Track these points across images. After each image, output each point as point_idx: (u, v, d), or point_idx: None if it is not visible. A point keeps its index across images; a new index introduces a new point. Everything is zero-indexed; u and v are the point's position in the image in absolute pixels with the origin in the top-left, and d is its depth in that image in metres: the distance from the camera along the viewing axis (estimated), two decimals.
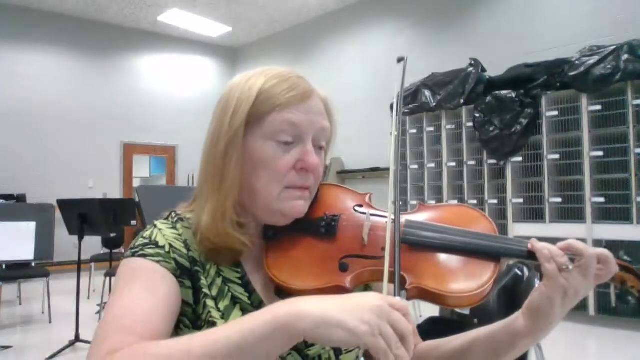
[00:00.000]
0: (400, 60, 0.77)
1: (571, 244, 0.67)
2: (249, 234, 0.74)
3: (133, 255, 0.69)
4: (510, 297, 1.47)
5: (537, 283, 1.59)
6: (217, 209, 0.72)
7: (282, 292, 0.71)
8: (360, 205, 0.80)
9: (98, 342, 0.57)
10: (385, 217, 0.77)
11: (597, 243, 4.11)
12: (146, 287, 0.64)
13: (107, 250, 5.46)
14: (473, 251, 0.70)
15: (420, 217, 0.78)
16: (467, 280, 0.67)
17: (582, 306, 4.06)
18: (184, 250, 0.71)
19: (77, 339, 3.56)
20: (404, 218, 0.76)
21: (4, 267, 4.52)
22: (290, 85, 0.73)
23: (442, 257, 0.71)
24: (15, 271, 4.62)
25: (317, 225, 0.76)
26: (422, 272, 0.69)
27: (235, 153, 0.72)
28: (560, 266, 0.66)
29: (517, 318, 0.72)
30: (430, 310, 3.71)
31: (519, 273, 1.68)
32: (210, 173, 0.74)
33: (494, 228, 0.75)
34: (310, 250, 0.75)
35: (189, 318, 0.69)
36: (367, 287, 0.82)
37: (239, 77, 0.78)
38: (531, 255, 0.68)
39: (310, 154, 0.73)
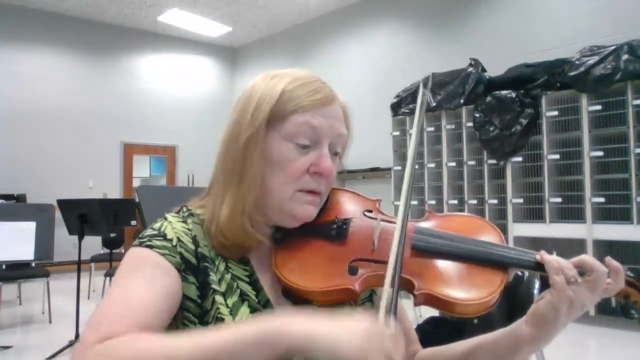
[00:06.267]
0: (425, 84, 0.77)
1: (584, 259, 0.67)
2: (261, 232, 0.74)
3: (140, 244, 0.69)
4: (510, 297, 1.47)
5: (537, 283, 1.59)
6: (237, 204, 0.72)
7: (290, 293, 0.72)
8: (370, 211, 0.81)
9: (90, 328, 0.57)
10: (395, 223, 0.77)
11: (597, 243, 4.11)
12: (146, 279, 0.64)
13: (107, 250, 5.46)
14: (482, 260, 0.70)
15: (429, 224, 0.78)
16: (475, 289, 0.67)
17: None
18: (192, 246, 0.71)
19: (77, 339, 3.55)
20: (413, 225, 0.76)
21: (4, 267, 4.52)
22: (314, 89, 0.74)
23: (451, 264, 0.71)
24: (15, 271, 4.61)
25: (328, 228, 0.77)
26: (430, 278, 0.69)
27: (256, 150, 0.72)
28: (569, 279, 0.66)
29: (520, 325, 0.72)
30: (430, 310, 3.72)
31: (519, 273, 1.68)
32: (229, 168, 0.74)
33: (502, 238, 0.75)
34: (319, 253, 0.74)
35: (194, 313, 0.69)
36: (372, 292, 0.83)
37: (262, 75, 0.78)
38: (539, 266, 0.68)
39: (325, 159, 0.73)
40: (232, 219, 0.71)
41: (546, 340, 0.70)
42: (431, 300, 0.67)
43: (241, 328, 0.54)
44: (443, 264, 0.71)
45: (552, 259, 0.68)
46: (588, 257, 0.68)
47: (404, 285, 0.69)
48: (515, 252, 0.71)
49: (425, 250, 0.72)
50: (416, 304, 0.69)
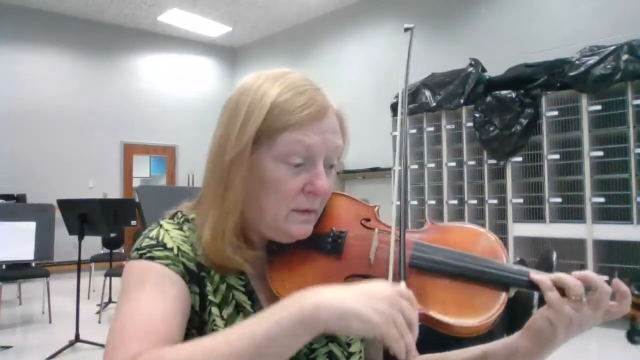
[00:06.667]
0: (407, 29, 0.73)
1: (587, 276, 0.64)
2: (254, 246, 0.72)
3: (140, 257, 0.67)
4: (511, 304, 1.46)
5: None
6: (218, 226, 0.69)
7: None
8: (368, 220, 0.78)
9: (114, 349, 0.56)
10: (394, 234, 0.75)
11: (597, 243, 4.11)
12: (157, 291, 0.62)
13: (107, 250, 5.46)
14: (482, 280, 0.68)
15: (429, 237, 0.75)
16: (475, 311, 0.65)
17: None
18: (192, 254, 0.69)
19: (77, 339, 3.56)
20: (412, 239, 0.74)
21: (4, 267, 4.51)
22: (306, 101, 0.68)
23: (450, 283, 0.68)
24: (15, 271, 4.61)
25: (323, 241, 0.74)
26: (429, 299, 0.67)
27: (240, 169, 0.68)
28: (570, 296, 0.64)
29: (517, 337, 0.71)
30: None
31: None
32: (215, 182, 0.71)
33: (504, 252, 0.73)
34: (314, 267, 0.73)
35: (195, 325, 0.67)
36: None
37: (252, 77, 0.73)
38: (535, 285, 0.66)
39: (320, 177, 0.69)
40: (213, 244, 0.69)
41: (542, 355, 0.68)
42: (429, 321, 0.66)
43: (278, 310, 0.54)
44: (442, 284, 0.69)
45: (543, 279, 0.65)
46: (592, 274, 0.65)
47: None
48: (513, 271, 0.68)
49: (423, 268, 0.70)
50: None
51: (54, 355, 3.38)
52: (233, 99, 0.73)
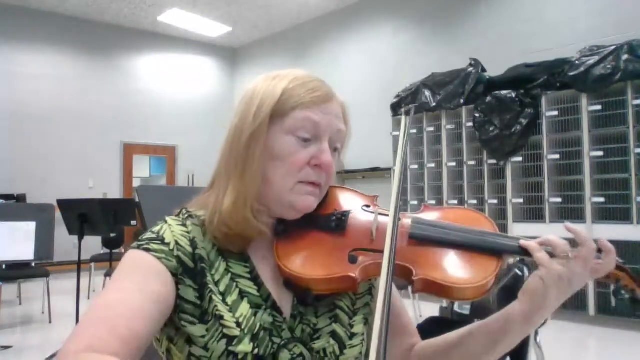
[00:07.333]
0: (407, 112, 0.80)
1: (578, 230, 0.71)
2: (263, 224, 0.77)
3: (138, 247, 0.71)
4: (510, 296, 1.46)
5: None
6: (240, 196, 0.75)
7: (291, 283, 0.74)
8: (368, 206, 0.84)
9: (81, 330, 0.58)
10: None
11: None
12: (138, 284, 0.66)
13: (107, 250, 5.46)
14: (477, 247, 0.74)
15: (426, 216, 0.82)
16: (471, 274, 0.71)
17: (582, 306, 4.06)
18: (189, 249, 0.73)
19: None
20: (410, 216, 0.80)
21: (4, 267, 4.52)
22: (313, 87, 0.78)
23: (447, 252, 0.74)
24: (15, 271, 4.62)
25: (327, 220, 0.80)
26: (428, 265, 0.72)
27: (258, 145, 0.75)
28: (563, 254, 0.69)
29: (513, 305, 0.74)
30: (430, 310, 3.76)
31: (519, 273, 1.68)
32: (232, 163, 0.77)
33: (495, 228, 0.79)
34: (320, 243, 0.77)
35: (193, 314, 0.70)
36: (371, 286, 0.84)
37: (262, 77, 0.82)
38: (525, 250, 0.72)
39: (325, 153, 0.76)
40: (234, 210, 0.74)
41: (536, 318, 0.71)
42: (429, 286, 0.70)
43: None
44: (440, 252, 0.74)
45: (532, 243, 0.72)
46: (582, 230, 0.71)
47: (402, 273, 0.71)
48: (505, 239, 0.75)
49: (422, 238, 0.75)
50: (414, 291, 0.71)
51: (53, 355, 3.37)
52: (248, 93, 0.80)
